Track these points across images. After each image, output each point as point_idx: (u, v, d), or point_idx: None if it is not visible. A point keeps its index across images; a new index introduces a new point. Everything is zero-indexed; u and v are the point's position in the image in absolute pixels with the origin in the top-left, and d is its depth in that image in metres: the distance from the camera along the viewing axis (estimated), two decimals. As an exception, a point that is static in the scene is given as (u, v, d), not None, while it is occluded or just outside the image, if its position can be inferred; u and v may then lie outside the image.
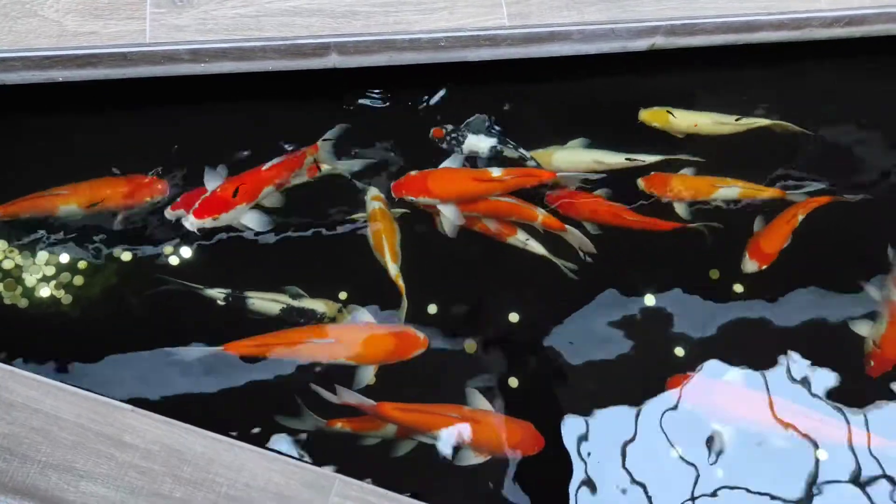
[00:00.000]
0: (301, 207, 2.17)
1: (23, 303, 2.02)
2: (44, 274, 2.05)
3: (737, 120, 2.34)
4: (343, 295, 2.06)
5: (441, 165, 2.20)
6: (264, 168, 2.11)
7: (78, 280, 2.06)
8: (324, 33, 2.06)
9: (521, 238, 2.14)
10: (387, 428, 1.89)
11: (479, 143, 2.25)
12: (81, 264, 2.07)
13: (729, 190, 2.26)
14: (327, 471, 1.65)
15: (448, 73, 2.24)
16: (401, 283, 2.02)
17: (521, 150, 2.24)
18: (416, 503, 1.63)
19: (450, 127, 2.26)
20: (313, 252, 2.14)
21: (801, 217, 2.23)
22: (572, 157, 2.25)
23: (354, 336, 1.97)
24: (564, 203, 2.19)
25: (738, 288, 2.16)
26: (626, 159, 2.25)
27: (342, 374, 1.95)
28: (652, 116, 2.34)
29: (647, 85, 2.40)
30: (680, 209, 2.23)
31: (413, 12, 2.10)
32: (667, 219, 2.20)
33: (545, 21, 2.12)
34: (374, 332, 1.98)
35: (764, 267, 2.17)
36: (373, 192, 2.17)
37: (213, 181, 2.09)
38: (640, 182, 2.25)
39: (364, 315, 2.00)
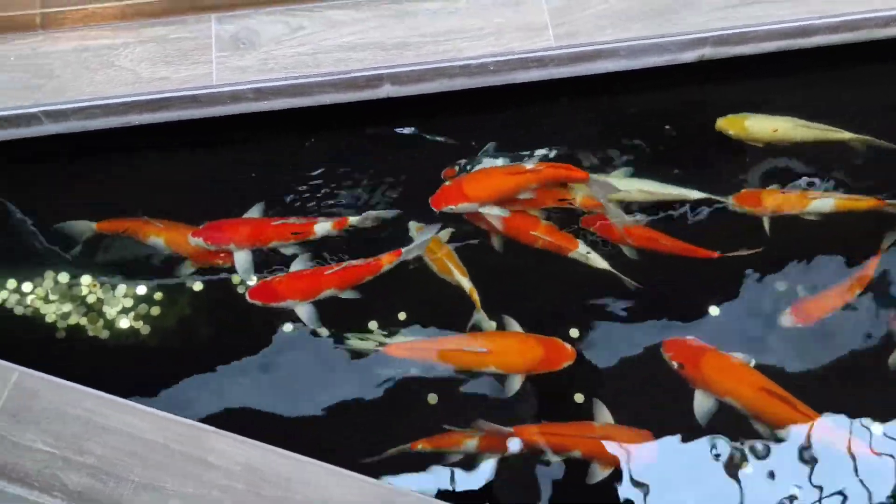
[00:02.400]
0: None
1: (104, 334, 2.15)
2: (123, 306, 2.19)
3: (815, 126, 2.25)
4: (402, 316, 2.11)
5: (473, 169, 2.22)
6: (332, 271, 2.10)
7: (155, 310, 2.18)
8: (377, 65, 2.15)
9: (582, 251, 2.14)
10: (467, 445, 1.92)
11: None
12: (157, 295, 2.19)
13: (823, 202, 2.17)
14: (404, 488, 1.71)
15: (497, 97, 2.30)
16: (476, 296, 2.06)
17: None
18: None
19: (463, 161, 2.27)
20: (371, 289, 2.14)
21: (857, 293, 2.08)
22: (620, 187, 2.20)
23: (507, 344, 2.00)
24: (602, 226, 2.18)
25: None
26: (679, 187, 2.19)
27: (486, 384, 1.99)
28: (729, 124, 2.28)
29: (707, 95, 2.38)
30: (768, 225, 2.16)
31: (462, 40, 2.17)
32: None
33: (592, 39, 2.16)
34: (525, 341, 2.00)
35: (800, 325, 2.06)
36: (415, 225, 2.20)
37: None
38: (731, 200, 2.18)
39: (513, 325, 2.04)
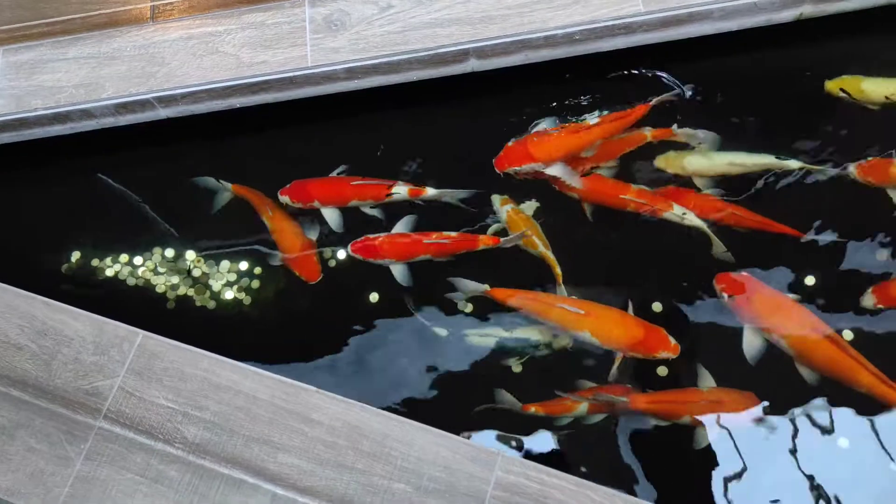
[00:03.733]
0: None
1: (211, 304, 2.32)
2: (227, 280, 2.35)
3: None
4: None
5: (534, 129, 2.22)
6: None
7: (255, 284, 2.33)
8: (464, 40, 2.19)
9: (677, 213, 2.10)
10: (579, 408, 1.96)
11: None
12: (257, 270, 2.33)
13: None
14: (492, 447, 1.76)
15: (582, 66, 2.28)
16: (558, 270, 2.09)
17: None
18: (573, 479, 1.69)
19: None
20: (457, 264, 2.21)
21: None
22: (706, 161, 2.16)
23: (607, 314, 2.02)
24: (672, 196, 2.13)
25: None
26: (777, 158, 2.12)
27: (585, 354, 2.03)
28: (841, 85, 2.17)
29: (809, 57, 2.27)
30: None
31: (547, 10, 2.17)
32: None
33: (682, 3, 2.11)
34: (626, 318, 2.02)
35: (881, 307, 1.96)
36: (499, 198, 2.24)
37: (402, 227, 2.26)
38: (853, 169, 2.09)
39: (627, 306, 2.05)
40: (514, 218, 2.19)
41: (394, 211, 2.29)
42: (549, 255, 2.11)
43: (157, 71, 2.28)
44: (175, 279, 2.34)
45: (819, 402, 1.91)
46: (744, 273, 2.03)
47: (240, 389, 1.88)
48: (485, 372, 2.07)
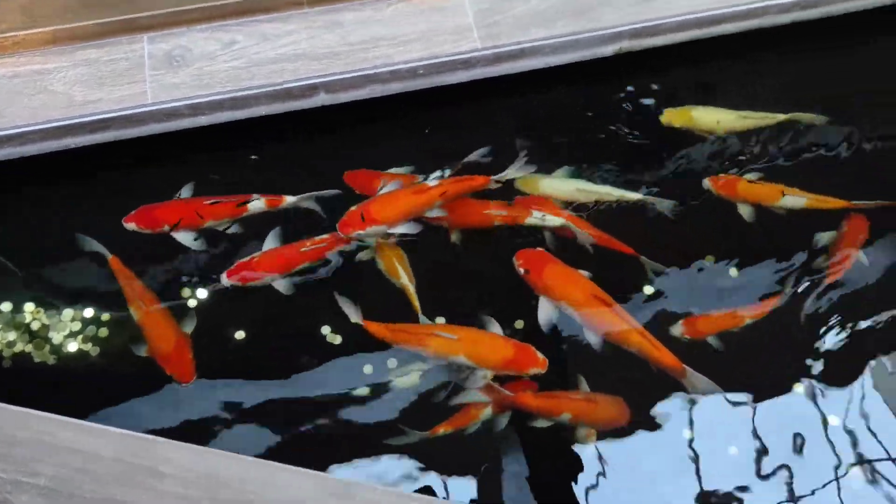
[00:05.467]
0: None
1: (51, 359, 2.13)
2: (70, 330, 2.18)
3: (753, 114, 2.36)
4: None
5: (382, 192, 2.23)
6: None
7: (103, 332, 2.17)
8: (311, 74, 2.21)
9: (537, 216, 2.20)
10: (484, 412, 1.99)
11: None
12: (105, 317, 2.18)
13: (795, 199, 2.25)
14: (350, 480, 1.75)
15: (431, 99, 2.37)
16: (416, 302, 2.11)
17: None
18: (432, 500, 1.71)
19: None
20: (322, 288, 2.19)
21: (748, 321, 2.12)
22: (559, 184, 2.30)
23: (478, 337, 2.07)
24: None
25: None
26: (617, 188, 2.27)
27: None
28: (675, 117, 2.38)
29: (644, 86, 2.47)
30: (744, 212, 2.25)
31: (389, 46, 2.25)
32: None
33: (515, 39, 2.26)
34: (497, 339, 2.07)
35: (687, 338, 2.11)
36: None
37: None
38: (708, 182, 2.29)
39: (494, 326, 2.10)
40: (384, 246, 2.20)
41: (255, 229, 2.22)
42: (410, 288, 2.14)
43: (-23, 111, 2.12)
44: (11, 335, 2.15)
45: (678, 400, 2.04)
46: (539, 249, 2.17)
47: (80, 449, 1.74)
48: (357, 402, 2.06)
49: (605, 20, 2.29)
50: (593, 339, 2.06)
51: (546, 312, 2.09)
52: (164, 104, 2.16)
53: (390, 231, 2.16)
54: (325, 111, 2.31)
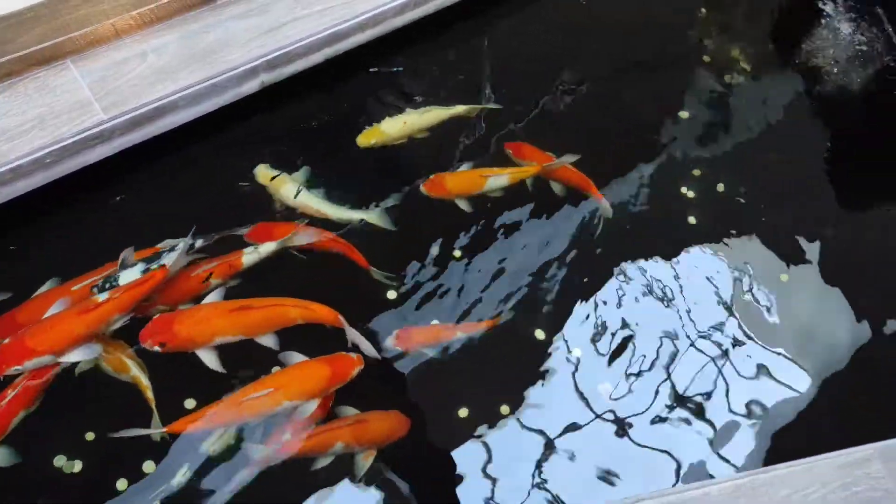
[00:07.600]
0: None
1: None
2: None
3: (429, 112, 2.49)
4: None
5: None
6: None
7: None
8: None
9: (249, 251, 2.14)
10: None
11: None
12: None
13: (498, 179, 2.38)
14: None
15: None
16: (150, 394, 1.93)
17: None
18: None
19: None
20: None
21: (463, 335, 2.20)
22: (303, 199, 2.29)
23: (291, 374, 1.99)
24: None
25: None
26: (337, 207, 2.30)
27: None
28: (369, 137, 2.43)
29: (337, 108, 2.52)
30: (463, 205, 2.35)
31: (3, 143, 2.04)
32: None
33: (143, 100, 2.16)
34: (309, 365, 2.00)
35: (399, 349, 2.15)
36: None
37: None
38: (423, 188, 2.36)
39: (295, 357, 2.03)
40: (113, 355, 1.98)
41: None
42: (142, 380, 1.96)
43: None
44: None
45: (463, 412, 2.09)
46: (158, 316, 2.00)
47: None
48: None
49: (233, 60, 2.27)
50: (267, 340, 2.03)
51: (209, 358, 1.98)
52: None
53: (59, 360, 1.89)
54: None
